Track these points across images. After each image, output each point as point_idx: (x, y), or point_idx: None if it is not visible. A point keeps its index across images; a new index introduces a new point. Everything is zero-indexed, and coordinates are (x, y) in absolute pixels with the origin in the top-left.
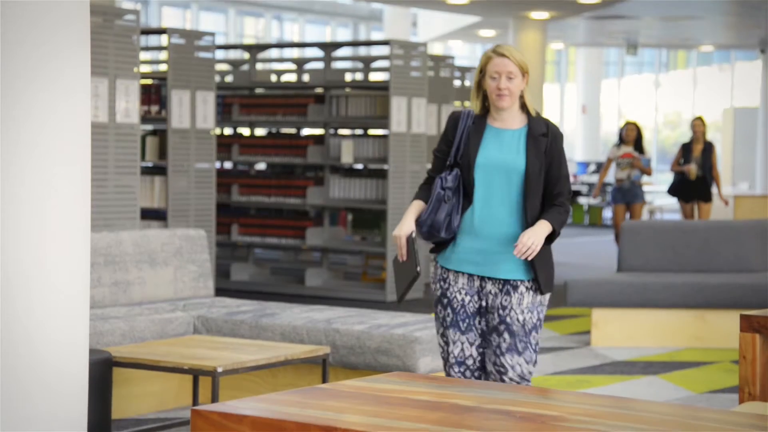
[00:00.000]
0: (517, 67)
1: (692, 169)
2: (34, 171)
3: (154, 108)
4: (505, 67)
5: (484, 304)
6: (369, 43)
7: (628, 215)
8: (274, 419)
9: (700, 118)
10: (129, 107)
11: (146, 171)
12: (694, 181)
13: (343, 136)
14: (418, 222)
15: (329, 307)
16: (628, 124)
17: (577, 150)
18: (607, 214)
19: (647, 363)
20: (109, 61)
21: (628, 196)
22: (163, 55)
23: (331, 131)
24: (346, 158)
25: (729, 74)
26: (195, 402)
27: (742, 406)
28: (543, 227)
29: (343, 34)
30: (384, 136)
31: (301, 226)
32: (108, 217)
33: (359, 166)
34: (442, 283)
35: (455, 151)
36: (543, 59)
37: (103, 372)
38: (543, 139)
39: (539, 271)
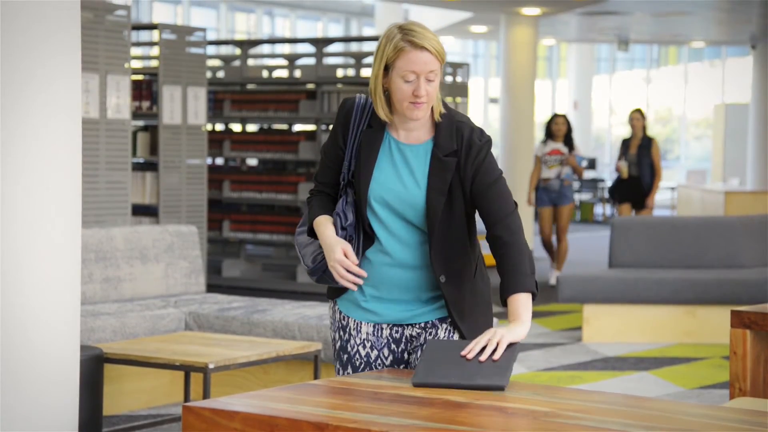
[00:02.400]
0: (439, 60)
1: (622, 166)
2: (24, 167)
3: (146, 104)
4: (426, 66)
5: (403, 352)
6: (360, 39)
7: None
8: (265, 415)
9: (638, 111)
10: (120, 103)
11: (137, 167)
12: (628, 181)
13: None
14: (310, 270)
15: (321, 304)
16: (556, 116)
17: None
18: (599, 210)
19: (638, 359)
20: (100, 56)
21: (555, 197)
22: (155, 51)
23: (323, 127)
24: None
25: (720, 70)
26: (186, 398)
27: (733, 402)
28: (515, 324)
29: (335, 30)
30: None
31: (293, 222)
32: (99, 213)
33: None
34: (341, 332)
35: (348, 165)
36: (534, 55)
37: (94, 368)
38: (451, 161)
39: (457, 314)
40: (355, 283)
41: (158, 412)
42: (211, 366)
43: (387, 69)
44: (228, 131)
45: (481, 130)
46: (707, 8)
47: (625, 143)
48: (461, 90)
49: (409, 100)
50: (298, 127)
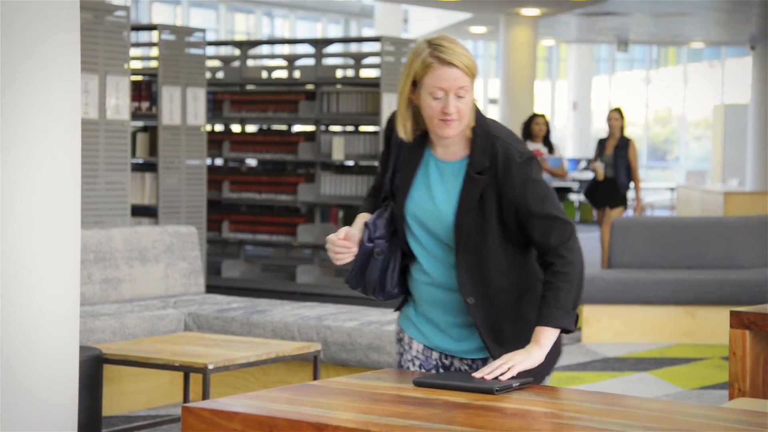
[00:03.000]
0: (470, 75)
1: (597, 167)
2: (24, 167)
3: (145, 104)
4: (455, 83)
5: None
6: (360, 40)
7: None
8: (265, 416)
9: (617, 110)
10: (119, 104)
11: (137, 167)
12: (603, 182)
13: (334, 133)
14: (347, 279)
15: (320, 304)
16: (536, 116)
17: (568, 147)
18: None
19: (638, 359)
20: (100, 57)
21: None
22: (154, 52)
23: (322, 128)
24: (337, 155)
25: (719, 71)
26: (186, 399)
27: (732, 403)
28: (534, 347)
29: (334, 31)
30: (375, 133)
31: (292, 223)
32: (98, 214)
33: (350, 163)
34: (398, 345)
35: (391, 178)
36: (534, 56)
37: (93, 369)
38: (483, 179)
39: (491, 341)
40: (340, 258)
41: (157, 413)
42: (210, 367)
43: (415, 85)
44: (227, 132)
45: (522, 147)
46: (707, 9)
47: (601, 143)
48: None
49: (439, 118)
50: (297, 128)
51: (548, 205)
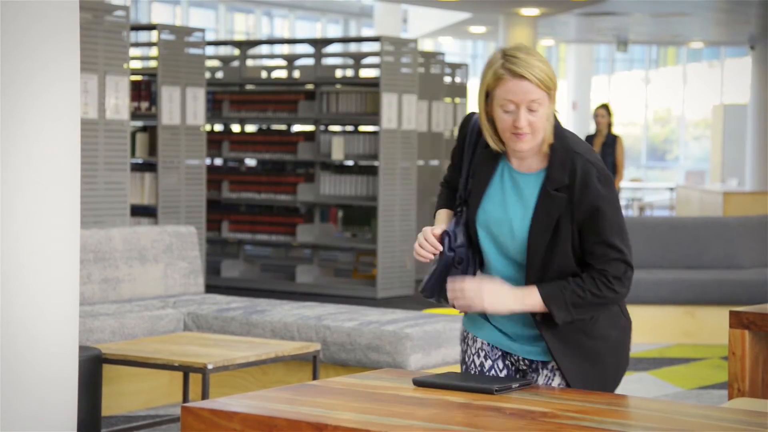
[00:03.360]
0: (543, 89)
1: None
2: (23, 168)
3: (144, 104)
4: (526, 96)
5: (516, 371)
6: (359, 40)
7: None
8: (264, 416)
9: (604, 107)
10: (119, 103)
11: (136, 167)
12: None
13: (334, 133)
14: (423, 288)
15: (320, 304)
16: None
17: None
18: None
19: (637, 359)
20: (99, 57)
21: None
22: (153, 51)
23: (322, 128)
24: (337, 155)
25: (719, 71)
26: (185, 399)
27: (732, 402)
28: (510, 296)
29: (334, 31)
30: (374, 133)
31: (292, 223)
32: (98, 214)
33: (350, 163)
34: (462, 344)
35: (464, 183)
36: None
37: (92, 369)
38: (560, 197)
39: (560, 357)
40: (424, 256)
41: (157, 413)
42: (209, 366)
43: (488, 97)
44: (227, 132)
45: (602, 166)
46: (706, 9)
47: (589, 140)
48: (460, 91)
49: (510, 131)
50: (297, 128)
51: (616, 234)
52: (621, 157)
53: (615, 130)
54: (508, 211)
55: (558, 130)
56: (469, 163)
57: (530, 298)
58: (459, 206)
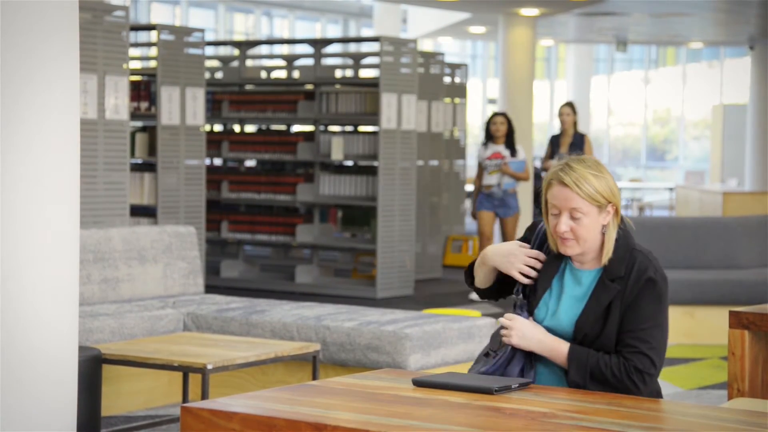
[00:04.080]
0: (588, 200)
1: (553, 166)
2: (23, 168)
3: (144, 104)
4: (567, 203)
5: None
6: (359, 40)
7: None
8: (264, 416)
9: (568, 105)
10: (118, 104)
11: (136, 168)
12: None
13: (333, 133)
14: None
15: (319, 304)
16: (495, 116)
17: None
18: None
19: None
20: (99, 57)
21: (498, 205)
22: (153, 52)
23: (321, 128)
24: (336, 155)
25: (718, 71)
26: (185, 399)
27: (731, 403)
28: (549, 337)
29: (333, 31)
30: (374, 133)
31: (291, 223)
32: (97, 214)
33: (349, 163)
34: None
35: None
36: (533, 56)
37: (92, 369)
38: (614, 286)
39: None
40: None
41: (156, 413)
42: (209, 367)
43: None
44: (226, 132)
45: (660, 266)
46: (705, 9)
47: (555, 140)
48: (460, 91)
49: (555, 234)
50: (296, 128)
51: (652, 330)
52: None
53: (581, 129)
54: (560, 310)
55: (625, 235)
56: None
57: (557, 350)
58: (516, 294)
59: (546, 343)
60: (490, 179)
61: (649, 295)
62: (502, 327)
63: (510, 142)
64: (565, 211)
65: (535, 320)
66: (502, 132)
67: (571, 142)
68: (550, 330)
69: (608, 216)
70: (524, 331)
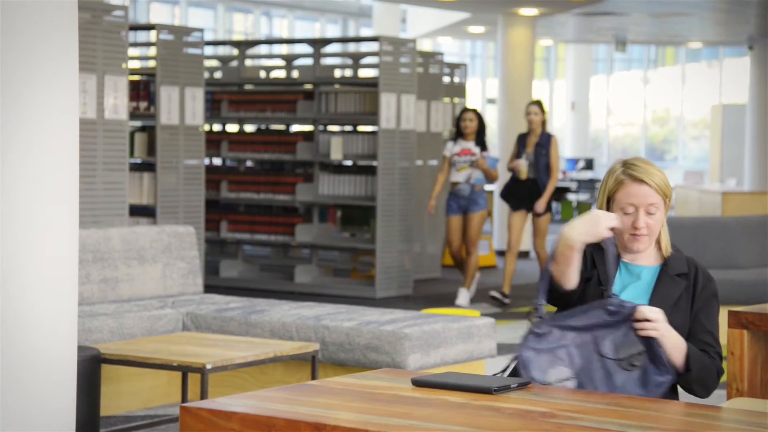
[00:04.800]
0: (660, 194)
1: (520, 165)
2: (22, 167)
3: (143, 104)
4: (645, 199)
5: None
6: (358, 40)
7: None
8: (263, 416)
9: (536, 103)
10: (117, 103)
11: (135, 167)
12: (524, 183)
13: (333, 133)
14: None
15: (318, 304)
16: (465, 111)
17: (566, 147)
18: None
19: None
20: (98, 57)
21: (465, 204)
22: (152, 51)
23: (321, 128)
24: (336, 155)
25: (717, 71)
26: (184, 399)
27: (730, 402)
28: (678, 338)
29: (333, 31)
30: (373, 133)
31: (291, 223)
32: (96, 214)
33: (348, 163)
34: None
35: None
36: (532, 56)
37: (91, 369)
38: (680, 281)
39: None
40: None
41: (155, 413)
42: (208, 366)
43: (609, 201)
44: (225, 132)
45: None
46: (705, 9)
47: (522, 140)
48: (459, 90)
49: (630, 232)
50: (295, 128)
51: (717, 331)
52: (555, 158)
53: (549, 129)
54: (624, 296)
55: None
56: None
57: (680, 349)
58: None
59: (674, 337)
60: (458, 176)
61: (714, 296)
62: (636, 320)
63: (481, 139)
64: (642, 207)
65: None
66: (471, 128)
67: (537, 142)
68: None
69: (668, 208)
70: (664, 326)
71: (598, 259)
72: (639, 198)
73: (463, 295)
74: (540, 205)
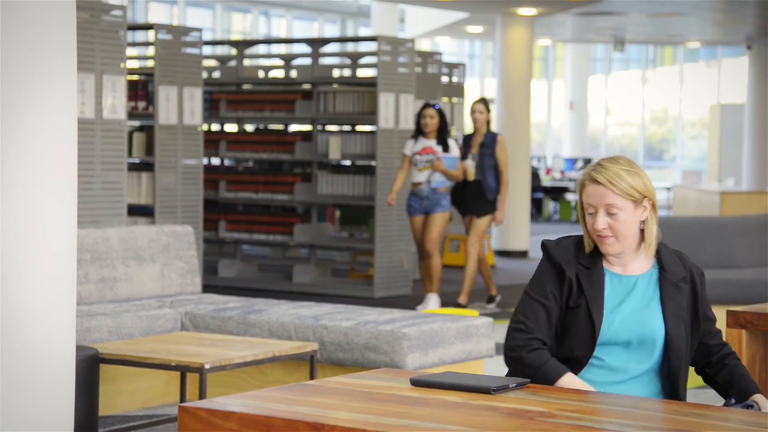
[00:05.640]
0: (622, 195)
1: (467, 166)
2: (20, 167)
3: (141, 104)
4: (602, 199)
5: None
6: (357, 39)
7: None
8: (261, 416)
9: (481, 101)
10: (116, 103)
11: (133, 167)
12: (470, 186)
13: (331, 132)
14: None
15: (317, 304)
16: (425, 108)
17: (564, 147)
18: None
19: None
20: (96, 56)
21: (427, 204)
22: (150, 51)
23: (319, 127)
24: (334, 154)
25: (715, 70)
26: (182, 399)
27: None
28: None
29: (331, 30)
30: (372, 133)
31: (289, 223)
32: (95, 214)
33: (347, 163)
34: None
35: (566, 301)
36: (530, 56)
37: (89, 369)
38: (683, 287)
39: None
40: None
41: (154, 413)
42: (207, 366)
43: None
44: (224, 131)
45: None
46: (703, 9)
47: (467, 140)
48: (457, 90)
49: (594, 233)
50: (294, 128)
51: (711, 313)
52: (504, 159)
53: (494, 128)
54: (638, 314)
55: (660, 240)
56: (569, 286)
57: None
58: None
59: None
60: (419, 176)
61: (705, 285)
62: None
63: (442, 138)
64: (601, 208)
65: (608, 336)
66: (432, 126)
67: (482, 142)
68: (640, 336)
69: (645, 211)
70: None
71: (585, 284)
72: (595, 198)
73: (433, 300)
74: (499, 217)
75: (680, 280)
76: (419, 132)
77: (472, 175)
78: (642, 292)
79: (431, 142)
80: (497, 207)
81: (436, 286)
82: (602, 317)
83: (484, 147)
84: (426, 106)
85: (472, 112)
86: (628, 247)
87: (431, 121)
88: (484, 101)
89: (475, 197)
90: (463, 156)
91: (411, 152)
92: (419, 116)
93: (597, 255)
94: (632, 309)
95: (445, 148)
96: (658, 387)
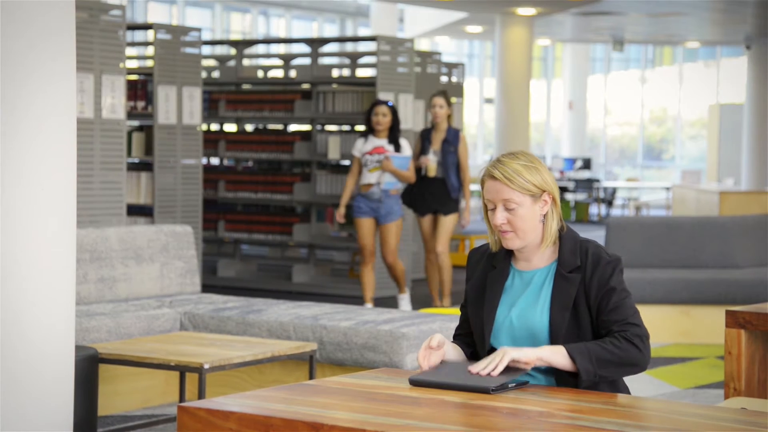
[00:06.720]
0: (520, 190)
1: (429, 161)
2: (20, 167)
3: (141, 104)
4: (498, 195)
5: None
6: (356, 39)
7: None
8: (260, 415)
9: (441, 95)
10: (115, 103)
11: (132, 167)
12: (433, 183)
13: (330, 132)
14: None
15: (316, 304)
16: (377, 105)
17: (564, 146)
18: (594, 210)
19: None
20: (95, 56)
21: (378, 209)
22: (150, 51)
23: (318, 127)
24: (333, 154)
25: (714, 70)
26: (181, 398)
27: (728, 402)
28: (536, 349)
29: (330, 30)
30: None
31: (288, 222)
32: (94, 213)
33: (346, 162)
34: None
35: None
36: (529, 55)
37: (89, 368)
38: (574, 277)
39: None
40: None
41: (153, 413)
42: (206, 366)
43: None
44: (223, 131)
45: (612, 254)
46: (702, 9)
47: (426, 135)
48: (456, 90)
49: (494, 228)
50: (293, 127)
51: (630, 312)
52: (465, 156)
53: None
54: (522, 308)
55: (569, 231)
56: (481, 282)
57: (553, 353)
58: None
59: (545, 352)
60: (370, 177)
61: (612, 273)
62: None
63: (393, 137)
64: (498, 203)
65: (494, 330)
66: (384, 124)
67: (443, 138)
68: (526, 329)
69: (546, 205)
70: (519, 350)
71: (489, 285)
72: (493, 194)
73: (404, 301)
74: (467, 217)
75: (572, 270)
76: (370, 131)
77: (433, 171)
78: (536, 287)
79: (382, 142)
80: (463, 207)
81: (403, 286)
82: (493, 320)
83: (447, 144)
84: (378, 103)
85: (432, 106)
86: (531, 242)
87: (384, 119)
88: (444, 94)
89: (439, 195)
90: (423, 151)
91: (360, 153)
92: (369, 113)
93: (508, 253)
94: (525, 304)
95: (397, 148)
96: (552, 379)
